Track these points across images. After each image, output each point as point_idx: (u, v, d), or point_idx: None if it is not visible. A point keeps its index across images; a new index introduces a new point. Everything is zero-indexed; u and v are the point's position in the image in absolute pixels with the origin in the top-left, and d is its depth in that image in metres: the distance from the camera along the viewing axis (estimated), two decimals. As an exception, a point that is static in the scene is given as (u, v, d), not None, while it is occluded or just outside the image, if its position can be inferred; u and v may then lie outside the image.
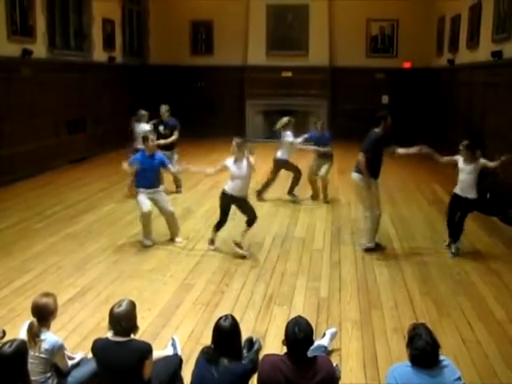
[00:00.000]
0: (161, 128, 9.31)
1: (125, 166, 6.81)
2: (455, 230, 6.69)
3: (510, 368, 4.15)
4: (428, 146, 6.86)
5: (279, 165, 9.23)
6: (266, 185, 9.38)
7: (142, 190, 6.83)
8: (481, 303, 5.29)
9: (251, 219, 6.59)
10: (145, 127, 9.11)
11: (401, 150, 6.77)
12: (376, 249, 6.76)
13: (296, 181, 9.33)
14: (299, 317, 3.33)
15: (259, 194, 9.27)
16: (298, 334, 3.13)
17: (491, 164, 6.47)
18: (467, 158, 6.51)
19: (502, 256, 6.65)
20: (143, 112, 9.52)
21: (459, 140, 6.86)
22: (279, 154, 9.13)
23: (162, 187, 7.26)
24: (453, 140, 13.08)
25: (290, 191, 9.38)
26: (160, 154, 7.18)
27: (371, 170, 6.52)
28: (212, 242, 6.82)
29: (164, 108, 9.50)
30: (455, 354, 4.23)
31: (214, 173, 6.86)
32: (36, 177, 10.80)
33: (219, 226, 6.75)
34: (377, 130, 6.60)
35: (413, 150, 6.83)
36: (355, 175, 6.70)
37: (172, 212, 7.03)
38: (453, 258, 6.52)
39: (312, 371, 3.11)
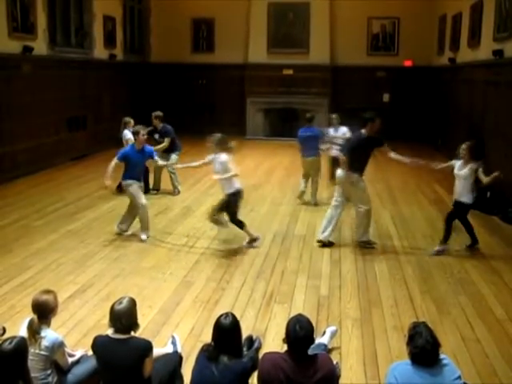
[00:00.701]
0: (156, 136, 9.27)
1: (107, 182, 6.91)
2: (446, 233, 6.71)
3: (510, 367, 4.15)
4: (421, 159, 7.01)
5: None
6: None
7: (132, 181, 6.93)
8: (481, 302, 5.30)
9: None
10: (126, 135, 8.89)
11: (393, 155, 6.76)
12: (371, 244, 6.84)
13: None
14: (300, 315, 3.33)
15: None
16: (299, 332, 3.12)
17: (485, 179, 6.34)
18: (466, 160, 6.40)
19: (502, 255, 6.65)
20: (127, 119, 9.26)
21: (460, 138, 6.87)
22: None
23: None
24: (453, 138, 13.11)
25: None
26: (149, 147, 7.24)
27: (356, 168, 6.61)
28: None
29: (153, 115, 9.36)
30: (455, 353, 4.24)
31: (198, 165, 7.16)
32: (37, 174, 10.81)
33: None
34: (363, 131, 6.66)
35: (405, 160, 6.88)
36: (339, 172, 6.84)
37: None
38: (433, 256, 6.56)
39: (313, 369, 3.11)
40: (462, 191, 6.47)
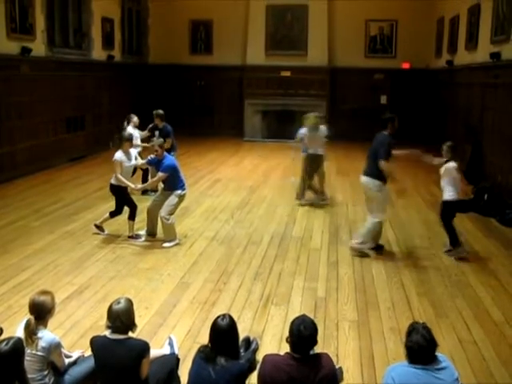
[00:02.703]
0: (156, 133, 9.31)
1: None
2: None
3: (506, 369, 4.16)
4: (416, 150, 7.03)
5: None
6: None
7: None
8: (478, 304, 5.30)
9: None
10: (133, 132, 8.86)
11: (396, 151, 6.64)
12: (377, 249, 6.77)
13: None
14: (304, 315, 3.33)
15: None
16: (304, 332, 3.13)
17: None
18: (448, 159, 6.53)
19: (499, 257, 6.66)
20: (131, 116, 9.39)
21: (458, 140, 6.89)
22: None
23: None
24: (451, 140, 13.12)
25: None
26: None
27: (382, 174, 6.35)
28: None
29: (154, 113, 9.39)
30: (452, 355, 4.24)
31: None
32: (35, 175, 10.80)
33: None
34: (385, 132, 6.44)
35: (405, 151, 6.91)
36: (367, 179, 6.49)
37: None
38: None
39: (315, 369, 3.12)
40: (443, 190, 6.58)
